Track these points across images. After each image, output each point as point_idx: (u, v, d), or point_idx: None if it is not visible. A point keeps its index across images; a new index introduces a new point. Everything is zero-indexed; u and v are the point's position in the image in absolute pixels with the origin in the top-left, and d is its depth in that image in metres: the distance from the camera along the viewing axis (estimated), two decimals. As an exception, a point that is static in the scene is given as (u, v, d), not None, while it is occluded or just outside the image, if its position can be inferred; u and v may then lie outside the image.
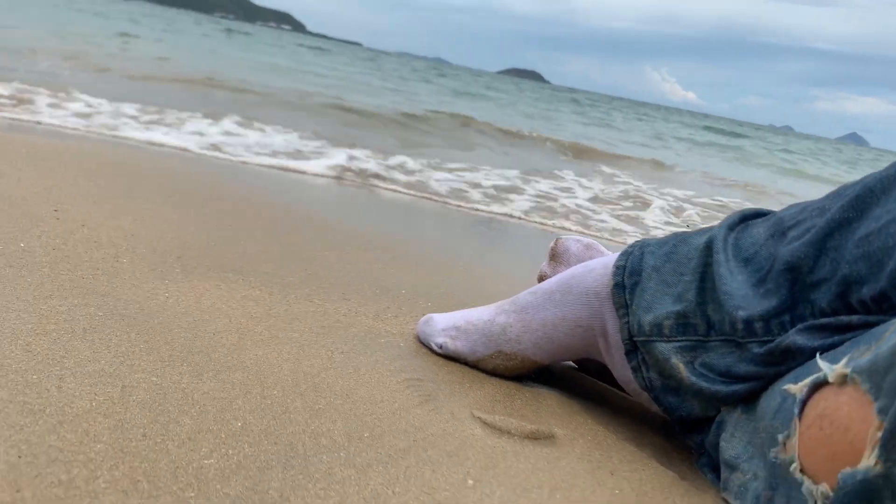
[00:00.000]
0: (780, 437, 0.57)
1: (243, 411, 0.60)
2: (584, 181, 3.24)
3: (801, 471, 0.54)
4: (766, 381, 0.64)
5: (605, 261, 0.78)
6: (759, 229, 0.68)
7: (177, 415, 0.58)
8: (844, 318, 0.60)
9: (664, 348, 0.69)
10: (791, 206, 0.70)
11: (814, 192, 4.59)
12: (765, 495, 0.58)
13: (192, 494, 0.48)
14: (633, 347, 0.71)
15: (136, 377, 0.62)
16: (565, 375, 0.88)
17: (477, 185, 2.55)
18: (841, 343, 0.58)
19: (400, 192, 2.20)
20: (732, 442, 0.65)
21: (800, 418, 0.55)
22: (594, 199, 2.82)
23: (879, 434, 0.46)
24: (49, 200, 1.12)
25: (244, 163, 2.14)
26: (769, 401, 0.61)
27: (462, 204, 2.18)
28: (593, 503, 0.58)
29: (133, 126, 2.42)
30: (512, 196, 2.50)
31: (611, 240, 2.13)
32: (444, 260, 1.35)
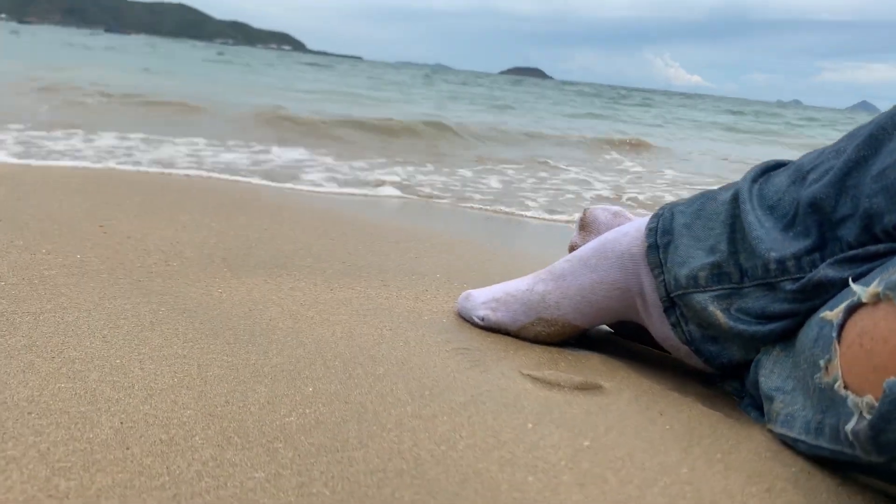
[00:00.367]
0: (822, 363, 0.60)
1: (312, 379, 0.65)
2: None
3: (845, 387, 0.57)
4: (801, 318, 0.67)
5: (637, 224, 0.81)
6: (780, 178, 0.72)
7: (253, 384, 0.62)
8: (871, 248, 0.63)
9: (701, 298, 0.72)
10: (809, 153, 0.74)
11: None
12: (815, 419, 0.60)
13: (281, 445, 0.52)
14: (671, 304, 0.75)
15: (209, 357, 0.67)
16: (604, 339, 0.91)
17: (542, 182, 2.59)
18: (870, 272, 0.62)
19: (416, 198, 2.25)
20: (772, 377, 0.68)
21: (839, 342, 0.58)
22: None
23: None
24: (94, 218, 1.18)
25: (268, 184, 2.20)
26: (807, 333, 0.64)
27: (495, 205, 2.22)
28: (646, 439, 0.61)
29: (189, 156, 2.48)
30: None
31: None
32: (473, 246, 1.40)
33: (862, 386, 0.54)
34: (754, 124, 11.73)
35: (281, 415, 0.57)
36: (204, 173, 2.14)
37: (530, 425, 0.61)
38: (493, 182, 2.66)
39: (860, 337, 0.55)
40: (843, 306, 0.59)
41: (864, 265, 0.63)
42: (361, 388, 0.64)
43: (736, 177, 0.88)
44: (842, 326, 0.58)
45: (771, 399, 0.67)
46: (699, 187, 3.10)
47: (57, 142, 2.52)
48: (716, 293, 0.71)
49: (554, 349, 0.83)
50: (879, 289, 0.54)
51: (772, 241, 0.68)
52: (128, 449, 0.49)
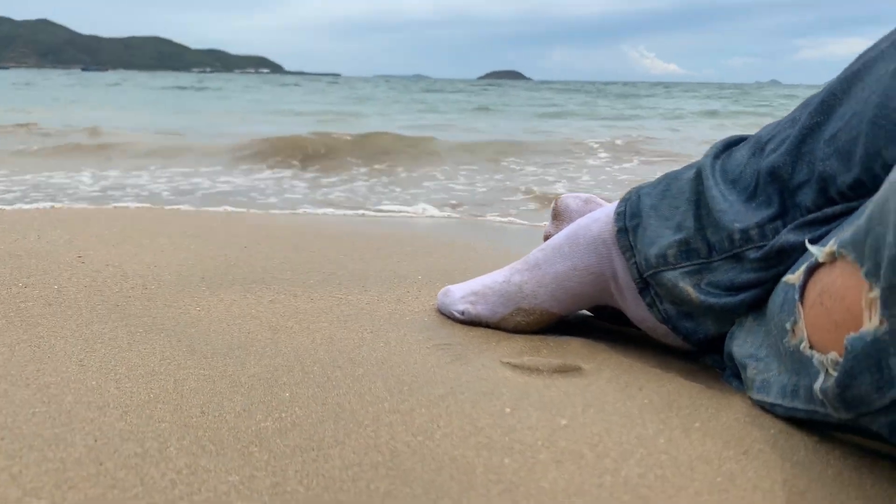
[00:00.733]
0: (788, 325, 0.61)
1: (289, 385, 0.65)
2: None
3: (811, 347, 0.57)
4: (769, 285, 0.68)
5: (606, 209, 0.82)
6: (741, 151, 0.73)
7: (229, 394, 0.62)
8: (829, 210, 0.64)
9: (672, 276, 0.73)
10: (767, 125, 0.75)
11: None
12: (791, 382, 0.61)
13: (256, 449, 0.52)
14: (645, 284, 0.76)
15: (185, 372, 0.67)
16: (585, 324, 0.91)
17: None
18: (829, 232, 0.62)
19: (388, 214, 2.25)
20: (745, 346, 0.69)
21: (802, 303, 0.59)
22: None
23: (871, 295, 0.49)
24: (72, 249, 1.18)
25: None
26: (774, 299, 0.65)
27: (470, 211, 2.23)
28: (624, 413, 0.62)
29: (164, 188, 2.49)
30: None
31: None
32: (454, 248, 1.40)
33: (826, 344, 0.54)
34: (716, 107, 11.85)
35: (257, 420, 0.57)
36: (184, 206, 2.14)
37: (508, 410, 0.61)
38: (466, 187, 2.67)
39: (820, 296, 0.56)
40: (803, 268, 0.59)
41: (823, 227, 0.64)
42: (339, 390, 0.64)
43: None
44: (803, 288, 0.58)
45: (745, 367, 0.67)
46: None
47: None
48: (686, 269, 0.72)
49: (536, 337, 0.83)
50: (834, 248, 0.55)
51: (735, 212, 0.68)
52: (101, 465, 0.49)
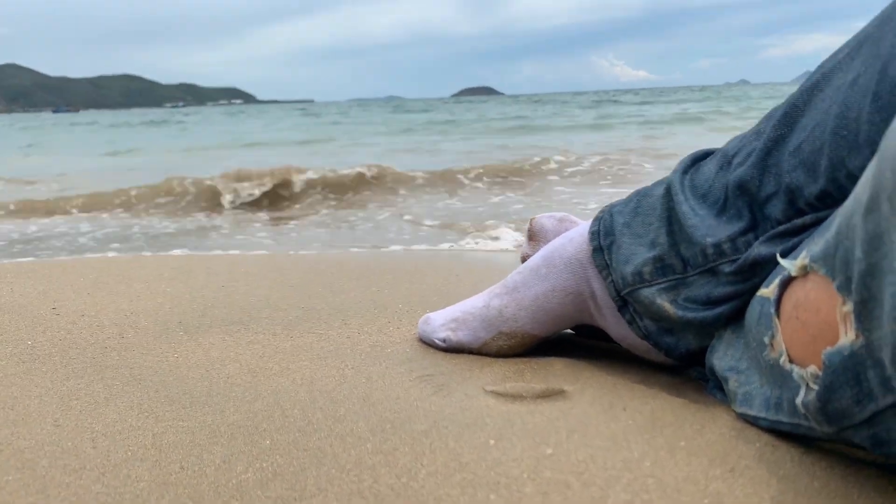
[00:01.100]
0: (767, 339, 0.61)
1: (269, 431, 0.64)
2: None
3: (790, 361, 0.57)
4: (745, 297, 0.68)
5: (580, 229, 0.82)
6: (709, 166, 0.73)
7: (208, 446, 0.61)
8: (798, 221, 0.64)
9: (649, 293, 0.73)
10: (733, 139, 0.75)
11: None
12: (773, 395, 0.61)
13: (237, 503, 0.51)
14: (624, 302, 0.76)
15: (164, 425, 0.66)
16: (568, 342, 0.91)
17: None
18: (800, 244, 0.63)
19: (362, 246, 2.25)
20: (725, 358, 0.69)
21: (778, 317, 0.59)
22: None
23: (845, 309, 0.49)
24: (46, 301, 1.16)
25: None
26: (751, 312, 0.65)
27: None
28: (609, 437, 0.61)
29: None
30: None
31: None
32: (433, 273, 1.39)
33: (805, 358, 0.54)
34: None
35: (237, 472, 0.56)
36: (153, 253, 2.13)
37: (492, 442, 0.60)
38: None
39: (796, 309, 0.56)
40: (776, 281, 0.59)
41: (794, 238, 0.64)
42: (321, 433, 0.63)
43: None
44: (779, 301, 0.59)
45: (726, 380, 0.67)
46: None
47: None
48: (662, 286, 0.72)
49: (519, 360, 0.83)
50: (806, 261, 0.55)
51: (707, 227, 0.69)
52: (77, 533, 0.48)
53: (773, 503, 0.50)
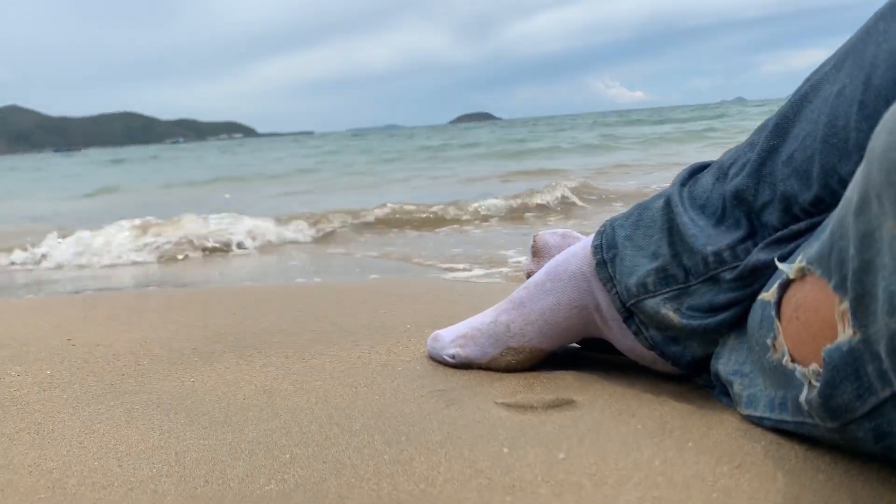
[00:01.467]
0: (769, 341, 0.63)
1: (288, 446, 0.66)
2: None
3: (792, 361, 0.59)
4: (747, 303, 0.70)
5: (583, 243, 0.85)
6: (706, 178, 0.76)
7: (231, 461, 0.63)
8: (794, 227, 0.67)
9: (653, 303, 0.75)
10: (728, 151, 0.78)
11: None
12: (778, 396, 0.63)
13: (262, 513, 0.53)
14: (629, 314, 0.78)
15: (186, 444, 0.68)
16: (576, 357, 0.93)
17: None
18: (797, 248, 0.65)
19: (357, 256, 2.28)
20: (729, 363, 0.71)
21: (779, 319, 0.61)
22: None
23: (842, 307, 0.51)
24: (60, 334, 1.18)
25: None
26: (753, 317, 0.67)
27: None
28: (619, 441, 0.63)
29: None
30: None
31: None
32: (440, 294, 1.42)
33: (806, 356, 0.56)
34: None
35: (260, 484, 0.58)
36: (157, 287, 2.15)
37: (506, 450, 0.62)
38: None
39: (795, 311, 0.58)
40: (776, 285, 0.62)
41: (791, 243, 0.67)
42: (339, 446, 0.65)
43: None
44: (779, 304, 0.61)
45: (731, 383, 0.69)
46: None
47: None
48: (666, 295, 0.74)
49: (528, 374, 0.85)
50: (803, 264, 0.57)
51: (706, 236, 0.71)
52: (110, 544, 0.49)
53: (780, 496, 0.52)
